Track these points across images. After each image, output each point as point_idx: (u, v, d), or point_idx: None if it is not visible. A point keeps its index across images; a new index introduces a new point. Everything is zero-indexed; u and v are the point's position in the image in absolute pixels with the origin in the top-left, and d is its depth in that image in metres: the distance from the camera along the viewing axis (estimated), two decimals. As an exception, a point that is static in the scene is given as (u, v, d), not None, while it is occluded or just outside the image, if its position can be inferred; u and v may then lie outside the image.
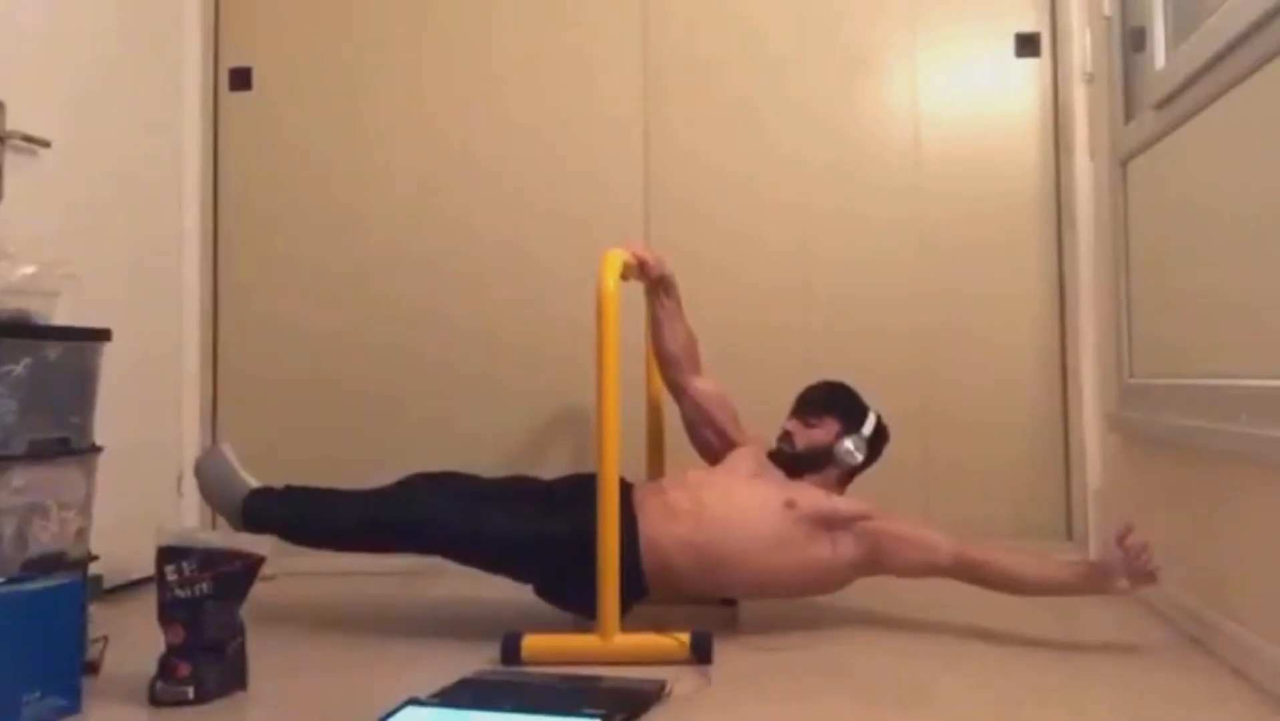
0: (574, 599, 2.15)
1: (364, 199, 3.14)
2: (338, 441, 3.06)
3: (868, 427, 2.38)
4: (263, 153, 3.18)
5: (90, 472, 2.05)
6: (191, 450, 2.96)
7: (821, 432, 2.37)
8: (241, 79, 3.18)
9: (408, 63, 3.15)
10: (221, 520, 2.48)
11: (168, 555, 1.80)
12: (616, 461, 2.02)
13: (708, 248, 2.99)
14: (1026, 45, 3.00)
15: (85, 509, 2.03)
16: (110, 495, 2.14)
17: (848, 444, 2.35)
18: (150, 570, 1.83)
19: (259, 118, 3.19)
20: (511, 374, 3.06)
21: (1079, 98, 2.87)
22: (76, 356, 2.03)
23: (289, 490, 2.33)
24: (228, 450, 2.37)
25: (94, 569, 2.07)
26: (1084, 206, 2.85)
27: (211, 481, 2.34)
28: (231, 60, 3.19)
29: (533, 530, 2.18)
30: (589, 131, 3.09)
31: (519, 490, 2.39)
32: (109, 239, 2.71)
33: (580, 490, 2.12)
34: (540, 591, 2.25)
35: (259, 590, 1.86)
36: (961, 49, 3.02)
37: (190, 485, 2.88)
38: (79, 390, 2.04)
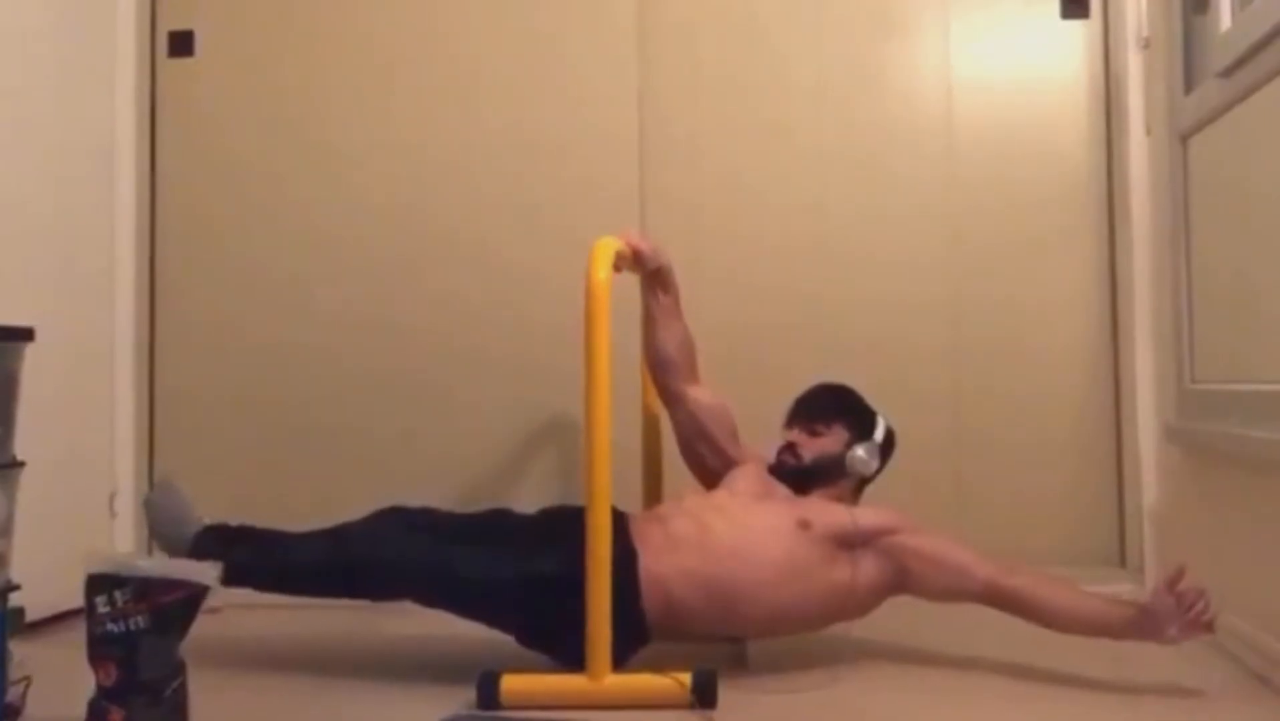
0: (567, 648, 2.08)
1: (320, 182, 3.14)
2: (289, 456, 3.08)
3: (879, 433, 2.40)
4: (205, 128, 3.18)
5: (10, 491, 2.02)
6: (126, 464, 2.97)
7: (830, 441, 2.39)
8: (182, 44, 3.18)
9: (371, 26, 3.15)
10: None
11: (99, 584, 1.79)
12: (608, 474, 2.01)
13: (709, 242, 3.01)
14: (1074, 5, 3.00)
15: (5, 532, 2.00)
16: (34, 516, 2.12)
17: (860, 452, 2.36)
18: (79, 601, 1.83)
19: (202, 88, 3.18)
20: (489, 387, 3.06)
21: (1134, 65, 2.88)
22: (-6, 359, 2.01)
23: (245, 529, 2.34)
24: (179, 486, 2.41)
25: (15, 600, 2.03)
26: (1139, 188, 2.86)
27: (162, 517, 2.37)
28: (171, 22, 3.18)
29: (515, 570, 2.16)
30: (574, 106, 3.08)
31: (500, 525, 2.37)
32: (30, 226, 2.70)
33: (570, 522, 2.10)
34: (526, 640, 2.22)
35: (202, 624, 1.86)
36: (999, 10, 3.02)
37: (124, 505, 2.92)
38: (-3, 397, 2.03)
